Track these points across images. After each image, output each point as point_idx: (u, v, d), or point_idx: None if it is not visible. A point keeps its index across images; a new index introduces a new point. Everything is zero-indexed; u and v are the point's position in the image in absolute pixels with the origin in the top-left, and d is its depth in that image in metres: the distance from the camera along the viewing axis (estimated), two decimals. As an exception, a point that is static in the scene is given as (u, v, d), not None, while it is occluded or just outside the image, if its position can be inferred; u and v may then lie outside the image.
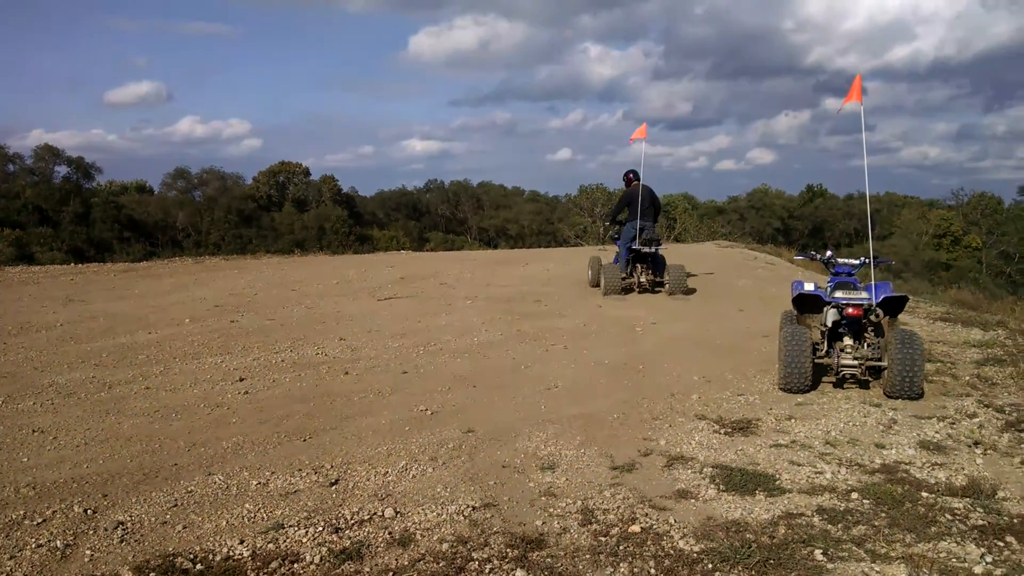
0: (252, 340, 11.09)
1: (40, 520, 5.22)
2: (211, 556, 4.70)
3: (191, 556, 4.68)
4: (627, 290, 15.11)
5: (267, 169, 36.33)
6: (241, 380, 8.90)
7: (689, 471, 6.19)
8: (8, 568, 4.58)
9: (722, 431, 7.20)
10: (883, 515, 5.35)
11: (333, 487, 5.84)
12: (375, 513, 5.34)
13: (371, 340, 11.14)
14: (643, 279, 15.11)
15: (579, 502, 5.57)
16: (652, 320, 12.67)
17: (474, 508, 5.44)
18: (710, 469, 6.20)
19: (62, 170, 32.13)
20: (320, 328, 12.04)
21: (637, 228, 14.79)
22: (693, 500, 5.64)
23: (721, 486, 5.86)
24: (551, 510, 5.45)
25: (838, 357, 8.46)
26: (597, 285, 15.44)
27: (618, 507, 5.49)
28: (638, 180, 15.17)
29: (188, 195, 33.26)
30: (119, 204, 29.67)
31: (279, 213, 32.02)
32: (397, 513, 5.34)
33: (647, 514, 5.37)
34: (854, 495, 5.70)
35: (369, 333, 11.63)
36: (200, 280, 17.98)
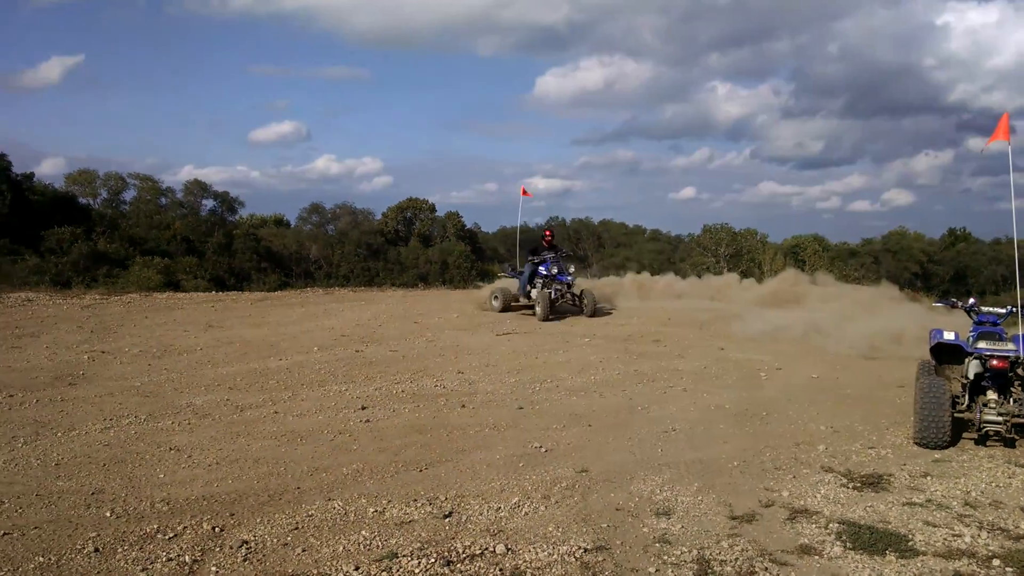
0: (375, 370, 11.42)
1: (172, 535, 5.51)
2: (327, 580, 4.81)
3: (308, 579, 4.81)
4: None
5: (396, 205, 37.46)
6: (363, 408, 9.16)
7: (813, 526, 5.89)
8: (154, 574, 4.84)
9: (850, 485, 6.82)
10: (1031, 587, 4.91)
11: (447, 519, 5.89)
12: (487, 548, 5.35)
13: (488, 374, 11.25)
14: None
15: (695, 551, 5.40)
16: (777, 365, 12.22)
17: (586, 550, 5.35)
18: (836, 525, 5.88)
19: (209, 203, 34.19)
20: (439, 360, 12.27)
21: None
22: (817, 557, 5.36)
23: (848, 544, 5.54)
24: (665, 557, 5.30)
25: (980, 412, 7.89)
26: (505, 310, 18.46)
27: (736, 559, 5.28)
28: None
29: (322, 229, 34.65)
30: (258, 236, 31.32)
31: (405, 247, 32.86)
32: (508, 550, 5.33)
33: (767, 568, 5.14)
34: (996, 562, 5.26)
35: (487, 367, 11.76)
36: (329, 311, 18.73)
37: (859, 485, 6.82)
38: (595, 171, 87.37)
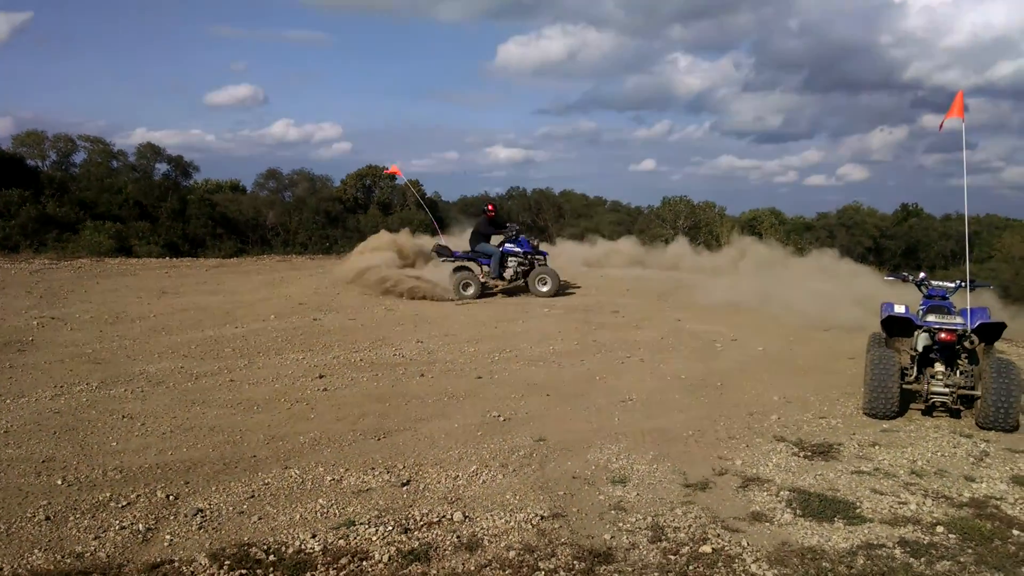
0: (333, 339, 11.34)
1: (125, 503, 5.44)
2: (284, 548, 4.81)
3: (265, 547, 4.80)
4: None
5: (355, 172, 37.01)
6: (321, 377, 9.10)
7: (765, 493, 6.02)
8: (92, 548, 4.78)
9: (801, 454, 6.98)
10: (970, 551, 5.10)
11: (404, 487, 5.90)
12: (444, 516, 5.38)
13: (447, 344, 11.25)
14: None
15: (649, 518, 5.49)
16: (733, 336, 12.41)
17: (543, 517, 5.41)
18: (787, 493, 6.02)
19: (162, 167, 33.38)
20: (399, 330, 12.22)
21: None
22: (768, 523, 5.49)
23: (798, 511, 5.69)
24: (620, 524, 5.38)
25: (928, 384, 8.11)
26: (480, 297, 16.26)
27: (689, 526, 5.38)
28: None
29: (278, 195, 34.17)
30: (213, 202, 30.75)
31: (364, 215, 32.56)
32: (466, 517, 5.36)
33: (719, 535, 5.25)
34: (940, 528, 5.44)
35: (445, 337, 11.75)
36: (286, 278, 18.51)
37: (810, 454, 6.98)
38: (557, 141, 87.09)
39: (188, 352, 10.18)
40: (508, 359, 10.42)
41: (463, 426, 7.48)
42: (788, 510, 5.70)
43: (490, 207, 17.34)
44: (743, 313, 14.71)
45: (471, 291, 15.97)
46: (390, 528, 5.13)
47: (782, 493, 6.02)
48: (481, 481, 6.09)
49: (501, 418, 7.76)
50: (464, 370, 9.74)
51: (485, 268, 16.76)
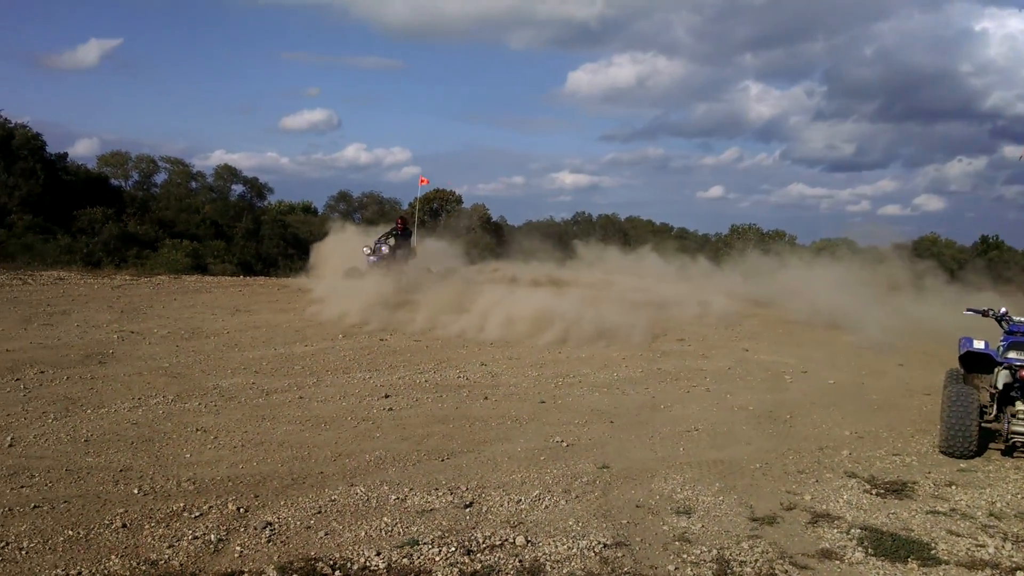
0: (398, 359, 11.49)
1: (197, 514, 5.59)
2: (349, 564, 4.87)
3: (331, 562, 4.87)
4: None
5: (422, 196, 37.69)
6: (386, 397, 9.22)
7: (835, 530, 5.86)
8: (166, 556, 4.92)
9: (873, 491, 6.78)
10: (1056, 601, 4.86)
11: (467, 509, 5.92)
12: (507, 539, 5.38)
13: (511, 367, 11.28)
14: None
15: (714, 551, 5.39)
16: (803, 368, 12.15)
17: (605, 545, 5.37)
18: (858, 531, 5.85)
19: (238, 188, 34.65)
20: (463, 352, 12.31)
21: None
22: (838, 561, 5.33)
23: (870, 550, 5.51)
24: (684, 556, 5.30)
25: (1008, 423, 7.80)
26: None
27: (756, 560, 5.27)
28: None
29: (349, 217, 34.98)
30: (286, 223, 31.65)
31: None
32: (528, 542, 5.35)
33: (787, 571, 5.13)
34: (1020, 574, 5.21)
35: (510, 360, 11.79)
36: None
37: (882, 492, 6.77)
38: (623, 167, 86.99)
39: (259, 368, 10.43)
40: (571, 384, 10.40)
41: (526, 450, 7.48)
42: (859, 548, 5.53)
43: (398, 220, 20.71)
44: (813, 345, 14.39)
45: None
46: (453, 549, 5.16)
47: (853, 531, 5.84)
48: (544, 506, 6.08)
49: (564, 444, 7.74)
50: (527, 394, 9.75)
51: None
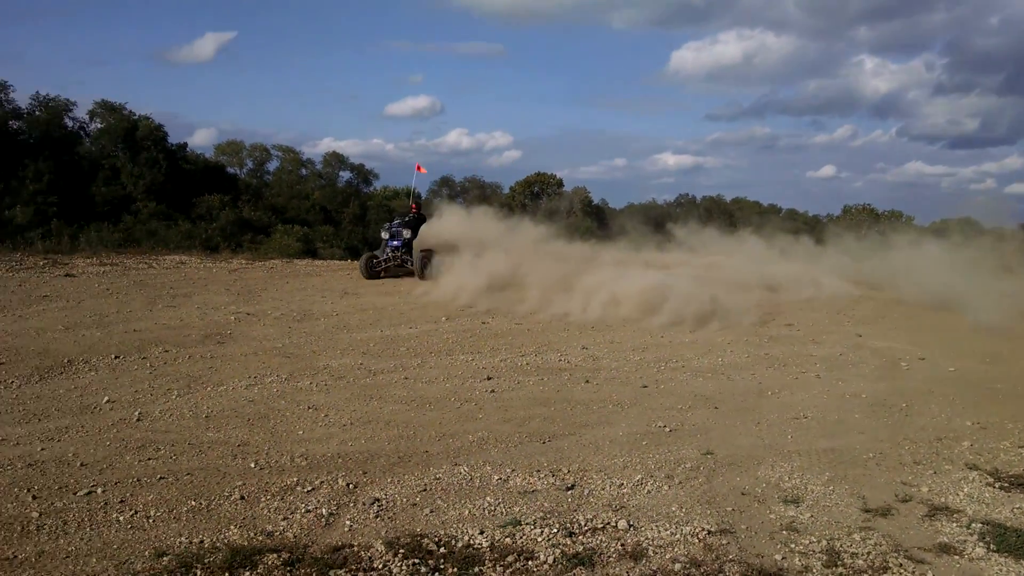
0: (500, 342, 11.60)
1: (310, 488, 5.82)
2: (454, 541, 4.97)
3: (436, 539, 4.98)
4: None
5: (523, 179, 37.79)
6: (488, 379, 9.33)
7: (954, 524, 5.59)
8: (281, 527, 5.15)
9: (997, 485, 6.42)
10: None
11: (569, 491, 5.94)
12: (608, 523, 5.37)
13: (612, 351, 11.22)
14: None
15: (824, 541, 5.23)
16: (920, 355, 11.59)
17: (709, 532, 5.29)
18: (980, 525, 5.56)
19: (345, 175, 35.63)
20: (564, 335, 12.32)
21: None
22: (957, 557, 5.09)
23: (992, 545, 5.23)
24: (792, 546, 5.17)
25: None
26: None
27: (868, 552, 5.09)
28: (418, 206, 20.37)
29: (453, 202, 35.51)
30: (391, 208, 32.40)
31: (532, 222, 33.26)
32: (631, 526, 5.33)
33: (902, 565, 4.93)
34: None
35: (611, 344, 11.72)
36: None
37: (1007, 485, 6.41)
38: (728, 147, 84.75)
39: (367, 350, 10.73)
40: (674, 369, 10.25)
41: (628, 434, 7.44)
42: (981, 544, 5.26)
43: (412, 206, 20.34)
44: (932, 330, 13.71)
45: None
46: (555, 530, 5.19)
47: (974, 525, 5.56)
48: (646, 491, 6.04)
49: (667, 428, 7.66)
50: (629, 378, 9.68)
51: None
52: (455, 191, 37.57)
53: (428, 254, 18.60)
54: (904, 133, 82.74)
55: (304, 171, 35.02)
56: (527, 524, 5.28)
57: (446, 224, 21.67)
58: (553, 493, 5.92)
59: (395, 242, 18.89)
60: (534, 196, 37.69)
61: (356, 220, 29.35)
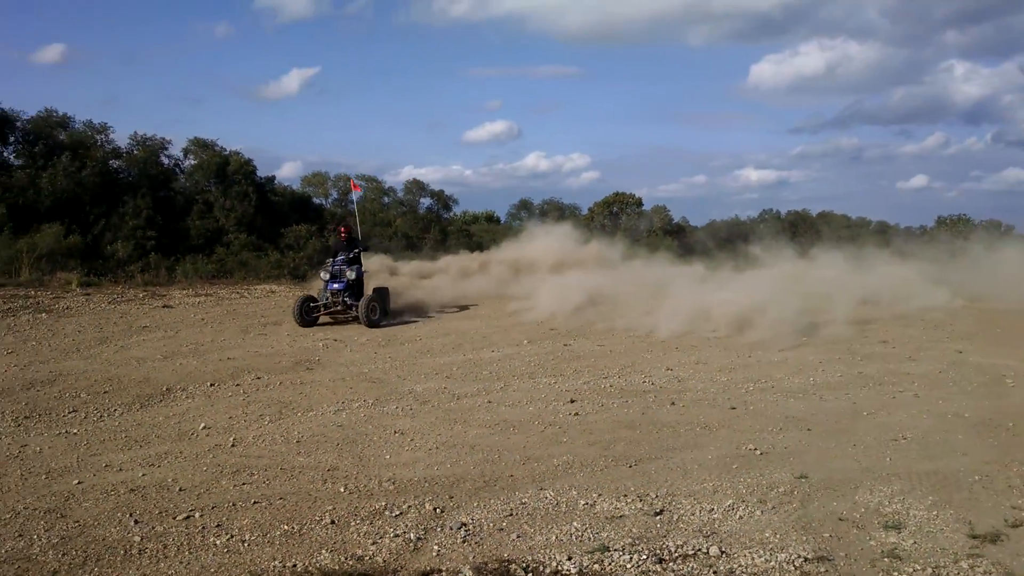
0: (583, 364, 11.53)
1: (398, 512, 5.87)
2: (542, 567, 4.93)
3: (524, 564, 4.95)
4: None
5: (602, 200, 37.68)
6: (572, 402, 9.27)
7: (1074, 553, 5.25)
8: (371, 552, 5.20)
9: (1121, 510, 6.00)
10: None
11: (658, 517, 5.83)
12: (700, 549, 5.24)
13: (698, 372, 11.01)
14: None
15: (929, 570, 4.98)
16: (1026, 371, 10.99)
17: (806, 559, 5.10)
18: (1103, 554, 5.20)
19: (426, 201, 36.27)
20: (648, 356, 12.16)
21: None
22: (1079, 588, 4.77)
23: (1118, 576, 4.89)
24: (895, 574, 4.94)
25: None
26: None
27: (979, 582, 4.82)
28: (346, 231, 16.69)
29: (524, 226, 35.79)
30: (470, 232, 32.80)
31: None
32: (723, 552, 5.19)
33: (1017, 596, 4.65)
34: None
35: (696, 365, 11.51)
36: (537, 304, 19.05)
37: None
38: (813, 160, 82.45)
39: (450, 374, 10.82)
40: (763, 390, 9.98)
41: (717, 458, 7.26)
42: (1105, 574, 4.92)
43: (342, 229, 16.79)
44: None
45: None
46: (644, 557, 5.09)
47: (1097, 554, 5.20)
48: (738, 516, 5.87)
49: (758, 451, 7.44)
50: (717, 400, 9.47)
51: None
52: (534, 214, 37.70)
53: (380, 294, 15.91)
54: (1000, 139, 78.98)
55: (386, 199, 35.79)
56: (615, 550, 5.20)
57: (535, 244, 21.65)
58: (641, 518, 5.81)
59: (335, 284, 15.49)
60: (613, 216, 37.51)
61: (437, 245, 29.74)
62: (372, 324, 14.82)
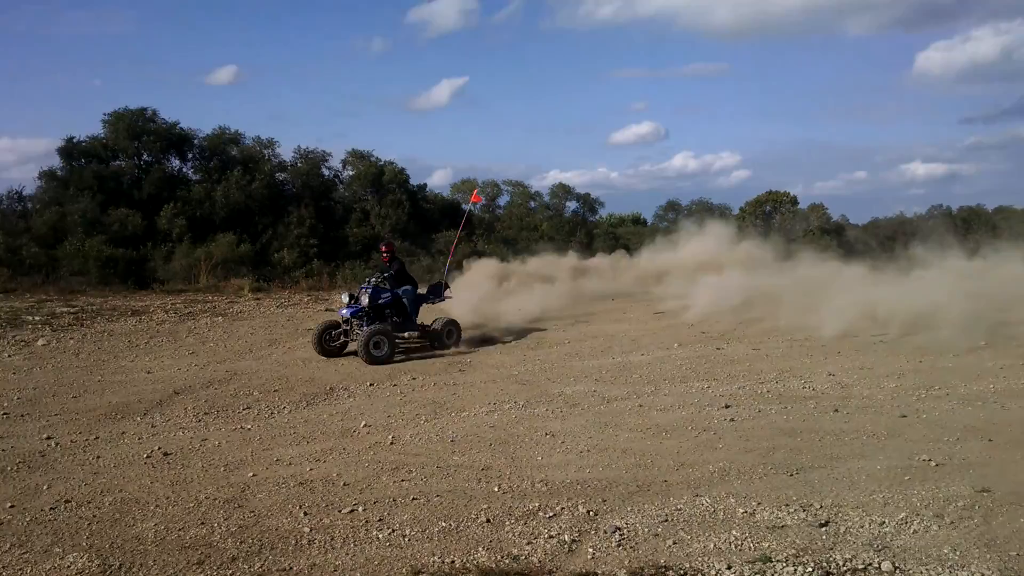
0: (737, 368, 11.17)
1: (551, 514, 5.89)
2: (700, 575, 4.79)
3: (682, 571, 4.84)
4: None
5: (754, 199, 36.50)
6: (727, 407, 9.00)
7: None
8: (526, 552, 5.24)
9: None
10: None
11: (823, 528, 5.55)
12: (870, 564, 4.94)
13: (863, 377, 10.42)
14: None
15: None
16: None
17: (992, 580, 4.71)
18: None
19: (572, 205, 36.43)
20: (807, 361, 11.64)
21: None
22: None
23: None
24: (1099, 602, 4.47)
25: None
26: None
27: None
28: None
29: (675, 227, 35.22)
30: (616, 235, 32.66)
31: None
32: (896, 568, 4.87)
33: None
34: None
35: (861, 370, 10.90)
36: (687, 307, 18.67)
37: None
38: (987, 152, 76.49)
39: (600, 377, 10.77)
40: (937, 397, 9.32)
41: (887, 468, 6.83)
42: None
43: (383, 248, 13.82)
44: None
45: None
46: (810, 569, 4.86)
47: None
48: (912, 530, 5.50)
49: (932, 463, 6.94)
50: (884, 407, 8.92)
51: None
52: (682, 215, 37.02)
53: (449, 326, 13.34)
54: None
55: (533, 203, 36.21)
56: (778, 561, 4.99)
57: (685, 245, 21.21)
58: (805, 529, 5.55)
59: (346, 310, 12.80)
60: (766, 216, 36.25)
61: (583, 248, 29.79)
62: (372, 360, 11.83)
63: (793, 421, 8.43)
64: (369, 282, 13.06)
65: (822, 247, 27.93)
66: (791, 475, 6.72)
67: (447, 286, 14.17)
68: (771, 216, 36.53)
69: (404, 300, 13.04)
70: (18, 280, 21.74)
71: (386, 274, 13.28)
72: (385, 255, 13.48)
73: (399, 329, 12.85)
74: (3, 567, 5.06)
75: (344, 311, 12.72)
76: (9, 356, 12.54)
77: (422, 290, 14.03)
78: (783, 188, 36.39)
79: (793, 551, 5.15)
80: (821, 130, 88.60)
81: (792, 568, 4.87)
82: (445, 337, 13.10)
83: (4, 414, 8.98)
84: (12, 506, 6.13)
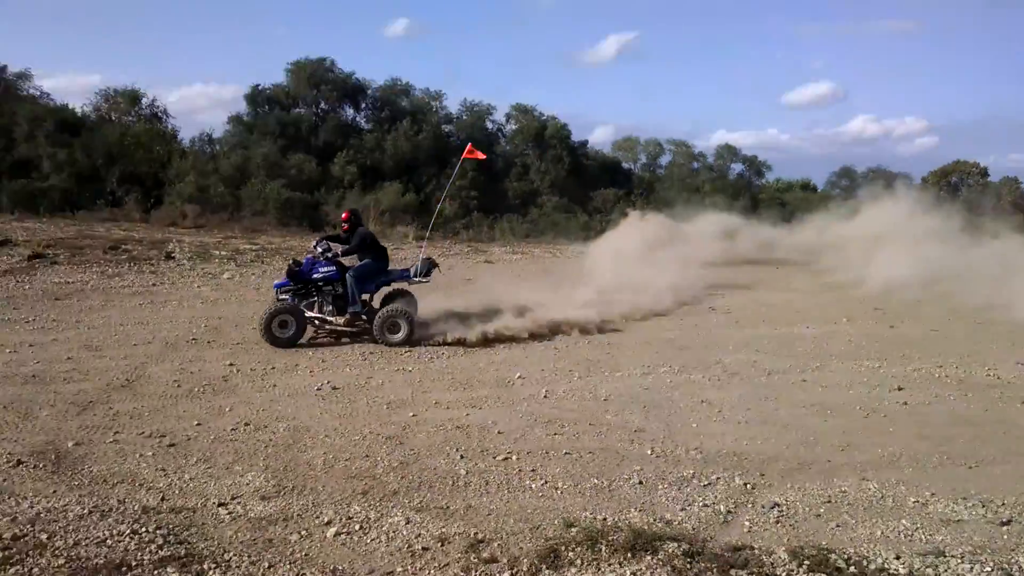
0: (912, 350, 10.47)
1: (706, 483, 5.77)
2: (865, 562, 4.55)
3: (845, 556, 4.61)
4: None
5: (939, 169, 33.82)
6: (899, 390, 8.47)
7: None
8: (679, 518, 5.16)
9: None
10: None
11: (1005, 527, 5.13)
12: (1063, 573, 4.52)
13: (1059, 369, 9.50)
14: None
15: None
16: None
17: None
18: None
19: (737, 167, 35.04)
20: (993, 347, 10.74)
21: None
22: None
23: None
24: None
25: None
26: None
27: None
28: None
29: (851, 195, 33.18)
30: (783, 200, 31.25)
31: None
32: (1092, 581, 4.44)
33: None
34: None
35: (1056, 361, 9.94)
36: (852, 281, 17.61)
37: None
38: None
39: (760, 347, 10.40)
40: None
41: (1084, 470, 6.22)
42: None
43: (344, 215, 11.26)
44: None
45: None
46: (989, 569, 4.51)
47: None
48: (1112, 541, 4.98)
49: None
50: (1083, 403, 8.11)
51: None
52: (856, 183, 34.85)
53: (405, 303, 10.77)
54: None
55: (696, 164, 35.13)
56: (952, 557, 4.65)
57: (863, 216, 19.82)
58: (984, 526, 5.15)
59: (280, 282, 10.75)
60: (951, 187, 33.56)
61: (747, 213, 28.73)
62: (274, 341, 9.74)
63: (974, 410, 7.82)
64: (315, 248, 10.79)
65: (1014, 225, 25.57)
66: (970, 468, 6.26)
67: (435, 264, 11.73)
68: (957, 188, 33.81)
69: (347, 277, 10.59)
70: (207, 217, 23.52)
71: (342, 248, 10.83)
72: (345, 225, 11.08)
73: (340, 311, 10.53)
74: (190, 479, 5.53)
75: (276, 283, 10.81)
76: (199, 287, 13.62)
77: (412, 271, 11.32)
78: (973, 158, 33.49)
79: (970, 548, 4.80)
80: (1020, 97, 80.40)
81: (968, 566, 4.54)
82: (385, 330, 10.10)
83: (193, 339, 9.78)
84: (199, 424, 6.68)
